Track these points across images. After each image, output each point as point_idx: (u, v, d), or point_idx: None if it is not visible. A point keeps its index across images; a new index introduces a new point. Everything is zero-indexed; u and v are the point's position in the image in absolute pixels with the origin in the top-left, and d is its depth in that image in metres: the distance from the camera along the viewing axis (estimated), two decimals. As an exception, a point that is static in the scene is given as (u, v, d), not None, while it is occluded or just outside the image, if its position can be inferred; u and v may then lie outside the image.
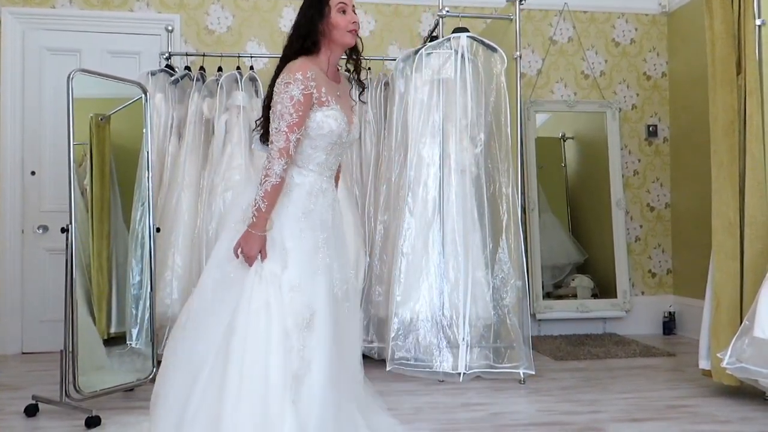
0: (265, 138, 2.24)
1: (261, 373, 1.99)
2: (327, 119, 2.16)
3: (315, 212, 2.19)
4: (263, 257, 2.09)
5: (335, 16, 2.18)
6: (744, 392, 3.18)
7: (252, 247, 2.07)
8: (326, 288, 2.14)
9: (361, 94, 2.36)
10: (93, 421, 2.74)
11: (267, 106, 2.21)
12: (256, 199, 2.07)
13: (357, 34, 2.24)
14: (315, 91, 2.13)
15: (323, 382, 2.05)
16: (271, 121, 2.14)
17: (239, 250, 2.10)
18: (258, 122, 2.30)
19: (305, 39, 2.18)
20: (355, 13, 2.23)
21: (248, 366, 1.99)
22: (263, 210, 2.07)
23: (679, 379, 3.54)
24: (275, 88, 2.15)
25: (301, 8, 2.24)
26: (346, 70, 2.37)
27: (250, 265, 2.09)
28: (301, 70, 2.11)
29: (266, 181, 2.07)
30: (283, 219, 2.14)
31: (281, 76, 2.15)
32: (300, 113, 2.09)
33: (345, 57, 2.32)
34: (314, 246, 2.16)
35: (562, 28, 4.99)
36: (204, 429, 1.98)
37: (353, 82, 2.34)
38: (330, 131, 2.17)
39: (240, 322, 2.04)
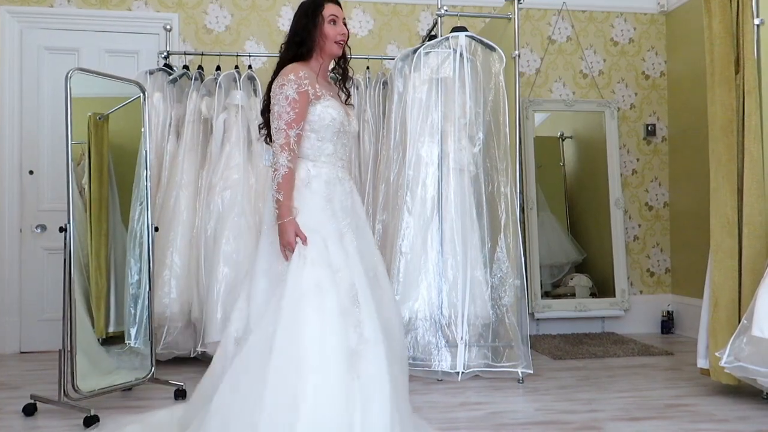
0: (269, 139, 2.38)
1: (316, 353, 2.01)
2: (327, 109, 2.30)
3: (335, 200, 2.31)
4: (303, 238, 2.18)
5: (326, 27, 2.33)
6: (742, 391, 3.18)
7: (287, 234, 2.19)
8: (360, 269, 2.22)
9: (346, 101, 2.48)
10: (91, 421, 2.73)
11: (266, 110, 2.36)
12: (273, 195, 2.22)
13: (344, 45, 2.39)
14: (309, 87, 2.26)
15: (382, 356, 2.09)
16: (271, 122, 2.29)
17: (283, 248, 2.19)
18: (260, 126, 2.43)
19: (300, 46, 2.33)
20: (345, 26, 2.37)
21: (306, 345, 2.01)
22: (282, 200, 2.21)
23: (678, 378, 3.55)
24: (272, 92, 2.29)
25: (295, 16, 2.38)
26: (333, 77, 2.50)
27: (292, 251, 2.18)
28: (293, 71, 2.27)
29: (276, 174, 2.22)
30: (312, 210, 2.25)
31: (276, 80, 2.30)
32: (296, 110, 2.23)
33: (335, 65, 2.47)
34: (339, 231, 2.27)
35: (560, 28, 5.00)
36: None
37: (340, 89, 2.47)
38: (332, 120, 2.30)
39: (287, 305, 2.07)
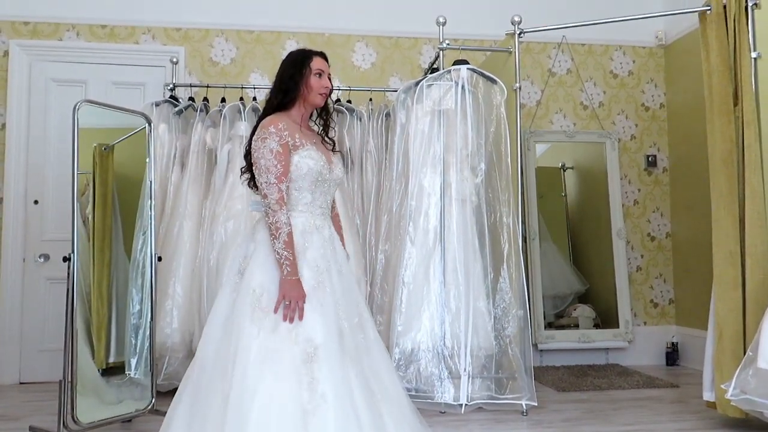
0: (252, 184, 2.41)
1: (258, 417, 1.99)
2: (303, 159, 2.31)
3: (310, 249, 2.28)
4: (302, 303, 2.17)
5: (312, 79, 2.39)
6: (749, 424, 3.14)
7: (296, 289, 2.18)
8: (327, 322, 2.18)
9: (333, 149, 2.52)
10: (90, 453, 2.71)
11: (249, 154, 2.38)
12: (279, 252, 2.20)
13: (327, 98, 2.45)
14: (289, 138, 2.29)
15: (340, 414, 2.04)
16: (257, 176, 2.30)
17: (283, 299, 2.16)
18: (243, 170, 2.45)
19: (285, 95, 2.38)
20: (330, 81, 2.44)
21: (250, 408, 2.00)
22: (291, 258, 2.20)
23: (683, 411, 3.50)
24: (253, 145, 2.32)
25: (283, 64, 2.44)
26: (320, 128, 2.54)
27: (301, 308, 2.16)
28: (272, 123, 2.30)
29: (280, 233, 2.21)
30: (276, 265, 2.23)
31: (257, 133, 2.33)
32: (283, 162, 2.26)
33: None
34: (311, 283, 2.23)
35: (560, 60, 5.07)
36: None
37: (323, 140, 2.50)
38: (309, 170, 2.31)
39: (239, 368, 2.07)
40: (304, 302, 2.17)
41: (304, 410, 2.01)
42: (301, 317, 2.15)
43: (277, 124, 2.29)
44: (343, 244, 2.56)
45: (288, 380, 2.05)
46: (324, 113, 2.50)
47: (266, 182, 2.24)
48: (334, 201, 2.56)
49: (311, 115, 2.49)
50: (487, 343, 3.53)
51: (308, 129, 2.47)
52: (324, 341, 2.13)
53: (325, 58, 2.45)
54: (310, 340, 2.13)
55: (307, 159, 2.30)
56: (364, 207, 4.15)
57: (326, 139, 2.49)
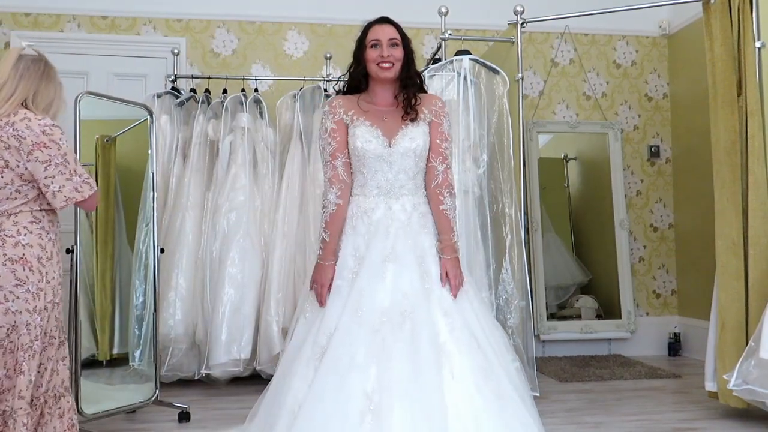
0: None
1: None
2: (350, 139, 2.23)
3: (352, 236, 2.17)
4: (329, 287, 2.13)
5: (368, 52, 2.25)
6: (751, 414, 3.14)
7: (323, 275, 2.13)
8: (342, 313, 2.06)
9: (413, 120, 2.25)
10: (95, 443, 2.72)
11: None
12: (320, 232, 2.16)
13: (392, 67, 2.22)
14: (345, 115, 2.23)
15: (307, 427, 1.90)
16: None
17: (312, 284, 2.16)
18: None
19: (350, 76, 2.29)
20: (396, 47, 2.23)
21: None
22: (327, 240, 2.15)
23: (685, 401, 3.51)
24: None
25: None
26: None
27: (322, 293, 2.13)
28: (329, 103, 2.29)
29: (324, 212, 2.17)
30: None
31: None
32: (337, 139, 2.21)
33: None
34: (349, 275, 2.13)
35: (563, 51, 5.04)
36: None
37: (405, 112, 2.26)
38: (353, 148, 2.21)
39: (286, 363, 2.12)
40: (325, 289, 2.12)
41: (295, 415, 1.93)
42: (322, 303, 2.11)
43: (332, 102, 2.27)
44: (446, 224, 2.24)
45: (296, 374, 2.02)
46: (401, 85, 2.24)
47: (324, 161, 2.22)
48: (436, 174, 2.25)
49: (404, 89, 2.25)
50: (489, 334, 3.53)
51: (388, 104, 2.27)
52: (335, 339, 2.01)
53: (388, 22, 2.25)
54: (327, 334, 2.04)
55: (352, 138, 2.20)
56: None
57: (408, 109, 2.23)
